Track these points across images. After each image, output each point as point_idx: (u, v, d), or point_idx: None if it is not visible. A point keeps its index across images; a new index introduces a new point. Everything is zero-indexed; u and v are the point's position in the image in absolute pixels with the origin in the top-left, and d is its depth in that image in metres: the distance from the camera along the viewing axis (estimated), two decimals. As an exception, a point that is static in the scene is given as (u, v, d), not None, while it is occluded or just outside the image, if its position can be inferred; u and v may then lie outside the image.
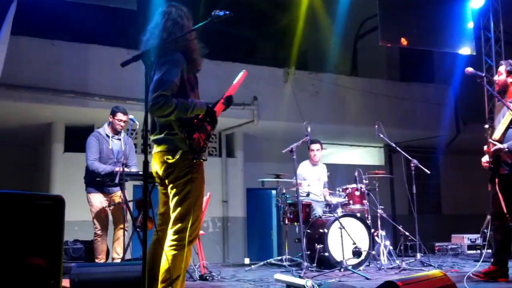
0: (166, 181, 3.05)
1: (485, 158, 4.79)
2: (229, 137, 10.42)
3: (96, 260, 5.48)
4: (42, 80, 7.85)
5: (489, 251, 7.72)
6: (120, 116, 5.54)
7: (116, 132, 5.63)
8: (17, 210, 2.30)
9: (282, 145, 6.18)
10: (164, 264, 2.90)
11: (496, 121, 4.84)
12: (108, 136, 5.58)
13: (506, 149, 4.59)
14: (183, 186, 2.97)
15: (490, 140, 4.66)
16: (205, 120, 3.02)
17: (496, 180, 4.70)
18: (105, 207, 5.48)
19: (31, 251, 2.32)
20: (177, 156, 2.96)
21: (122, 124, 5.58)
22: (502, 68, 4.80)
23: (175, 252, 2.90)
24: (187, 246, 2.93)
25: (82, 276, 3.77)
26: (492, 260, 4.83)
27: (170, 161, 2.98)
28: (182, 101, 2.94)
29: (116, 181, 4.90)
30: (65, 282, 4.10)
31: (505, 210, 4.54)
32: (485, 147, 4.70)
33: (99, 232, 5.48)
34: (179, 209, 2.97)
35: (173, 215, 2.98)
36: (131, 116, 5.42)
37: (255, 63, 10.20)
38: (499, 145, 4.61)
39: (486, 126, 4.68)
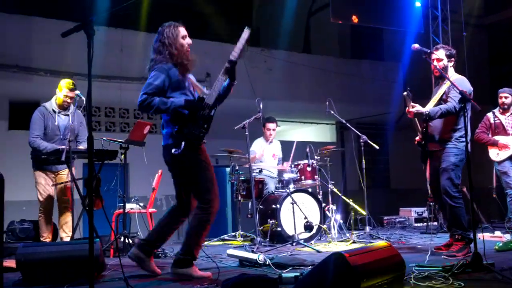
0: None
1: (418, 137, 4.97)
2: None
3: (41, 239, 5.35)
4: (-17, 54, 7.50)
5: (435, 223, 8.06)
6: (66, 92, 5.34)
7: (63, 107, 5.44)
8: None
9: (236, 122, 6.16)
10: None
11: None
12: (54, 112, 5.39)
13: (427, 112, 4.71)
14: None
15: (411, 103, 4.74)
16: (186, 113, 3.67)
17: (428, 159, 4.89)
18: (51, 185, 5.35)
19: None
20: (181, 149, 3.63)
21: (69, 100, 5.39)
22: (441, 53, 4.87)
23: None
24: None
25: (28, 256, 3.65)
26: (449, 233, 5.02)
27: (176, 154, 3.63)
28: (162, 100, 3.65)
29: (63, 158, 4.75)
30: (11, 262, 4.00)
31: (429, 190, 4.78)
32: (407, 109, 4.79)
33: (43, 209, 5.36)
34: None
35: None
36: (77, 92, 5.23)
37: (208, 39, 10.06)
38: (421, 109, 4.73)
39: (405, 93, 4.78)
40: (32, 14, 8.10)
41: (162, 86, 3.69)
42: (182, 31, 3.90)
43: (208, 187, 3.75)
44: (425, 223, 8.09)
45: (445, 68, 4.86)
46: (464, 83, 4.74)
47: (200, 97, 3.81)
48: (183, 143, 3.62)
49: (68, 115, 5.47)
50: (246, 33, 3.78)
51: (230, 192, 10.93)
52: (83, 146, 5.44)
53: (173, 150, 3.62)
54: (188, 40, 3.91)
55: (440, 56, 4.87)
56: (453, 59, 4.92)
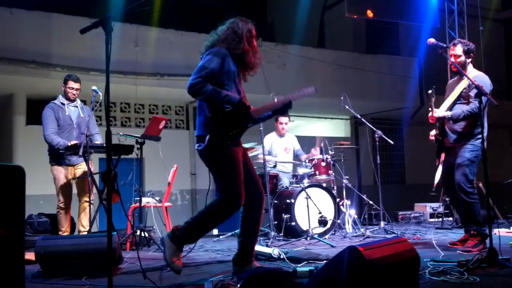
0: None
1: (433, 132, 4.92)
2: (197, 109, 10.35)
3: (60, 233, 5.45)
4: (1, 50, 7.58)
5: (450, 219, 8.02)
6: (71, 84, 5.50)
7: (70, 100, 5.58)
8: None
9: (250, 117, 6.17)
10: None
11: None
12: (63, 104, 5.54)
13: (449, 116, 4.67)
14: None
15: (432, 107, 4.69)
16: (235, 114, 3.43)
17: (443, 154, 4.85)
18: (69, 179, 5.43)
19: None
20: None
21: (74, 92, 5.54)
22: (459, 49, 4.77)
23: None
24: None
25: (47, 248, 3.73)
26: (464, 229, 5.00)
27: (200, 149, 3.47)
28: (215, 89, 3.37)
29: (80, 153, 4.84)
30: (30, 255, 4.08)
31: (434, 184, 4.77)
32: (429, 114, 4.75)
33: (61, 204, 5.45)
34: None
35: None
36: (94, 87, 5.30)
37: (222, 34, 10.08)
38: (442, 113, 4.69)
39: (430, 92, 4.72)
40: (49, 10, 8.19)
41: (217, 70, 3.43)
42: (254, 31, 3.67)
43: (226, 185, 3.51)
44: (440, 219, 8.05)
45: (463, 65, 4.76)
46: (484, 81, 4.62)
47: (250, 106, 3.55)
48: (207, 137, 3.39)
49: (76, 106, 5.62)
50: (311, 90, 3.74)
51: (244, 187, 10.94)
52: (97, 139, 5.52)
53: (196, 145, 3.48)
54: (255, 43, 3.67)
55: (458, 52, 4.77)
56: (472, 54, 4.79)
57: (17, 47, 7.74)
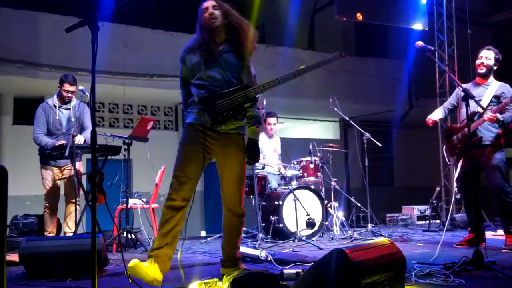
0: None
1: (432, 117, 5.16)
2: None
3: (46, 233, 5.40)
4: (-12, 49, 7.52)
5: (437, 221, 8.07)
6: (66, 86, 5.35)
7: (64, 102, 5.46)
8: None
9: (238, 118, 6.16)
10: None
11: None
12: (55, 107, 5.42)
13: (502, 119, 4.73)
14: None
15: (490, 111, 4.77)
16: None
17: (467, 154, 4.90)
18: (56, 180, 5.38)
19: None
20: None
21: (70, 94, 5.40)
22: (490, 54, 4.98)
23: None
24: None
25: (31, 249, 3.69)
26: (469, 229, 5.15)
27: None
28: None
29: (66, 153, 4.77)
30: (14, 256, 4.03)
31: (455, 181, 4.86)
32: (485, 116, 4.78)
33: (48, 205, 5.40)
34: None
35: None
36: (81, 87, 5.23)
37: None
38: (498, 115, 4.73)
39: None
40: (38, 10, 8.12)
41: (183, 75, 3.51)
42: (204, 4, 3.56)
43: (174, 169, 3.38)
44: (428, 221, 8.09)
45: (490, 70, 4.97)
46: (508, 88, 4.90)
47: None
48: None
49: (69, 109, 5.47)
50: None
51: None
52: (86, 133, 5.41)
53: None
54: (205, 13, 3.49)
55: (488, 55, 4.98)
56: (498, 64, 5.01)
57: (5, 47, 7.66)
